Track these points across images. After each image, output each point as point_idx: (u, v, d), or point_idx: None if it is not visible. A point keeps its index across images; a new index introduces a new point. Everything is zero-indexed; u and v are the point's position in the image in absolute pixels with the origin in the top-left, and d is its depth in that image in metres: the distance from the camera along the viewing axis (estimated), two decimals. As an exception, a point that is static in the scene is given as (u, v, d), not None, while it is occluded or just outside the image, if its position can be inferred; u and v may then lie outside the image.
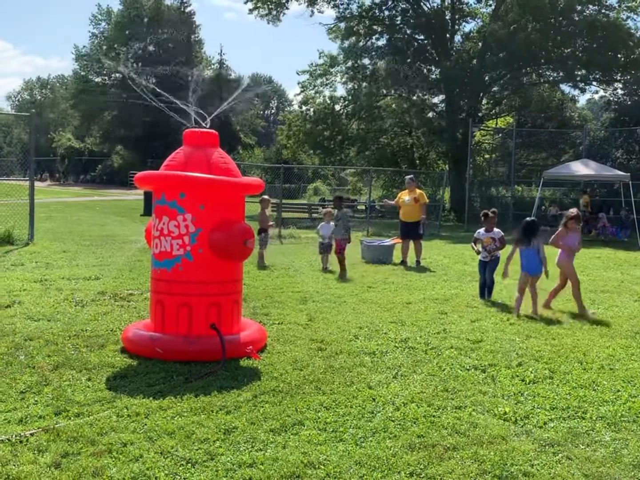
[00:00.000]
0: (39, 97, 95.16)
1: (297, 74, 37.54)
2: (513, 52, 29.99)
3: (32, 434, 4.13)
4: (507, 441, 4.30)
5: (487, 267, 9.84)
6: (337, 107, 37.27)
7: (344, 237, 11.83)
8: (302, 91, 37.75)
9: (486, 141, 35.34)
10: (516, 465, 3.95)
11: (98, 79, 67.05)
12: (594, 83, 33.68)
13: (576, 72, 32.42)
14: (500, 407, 4.91)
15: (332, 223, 12.43)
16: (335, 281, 10.88)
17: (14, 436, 4.08)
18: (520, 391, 5.34)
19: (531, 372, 5.86)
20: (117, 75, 63.69)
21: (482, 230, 10.02)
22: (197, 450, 4.00)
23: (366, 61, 35.23)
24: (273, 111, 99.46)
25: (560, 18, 30.89)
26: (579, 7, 30.83)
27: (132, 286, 9.52)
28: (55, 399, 4.78)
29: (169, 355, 5.81)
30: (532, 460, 4.03)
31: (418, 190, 14.18)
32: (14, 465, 3.71)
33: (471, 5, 35.16)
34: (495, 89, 34.87)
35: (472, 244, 10.20)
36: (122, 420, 4.42)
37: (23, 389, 4.98)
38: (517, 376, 5.75)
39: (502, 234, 10.00)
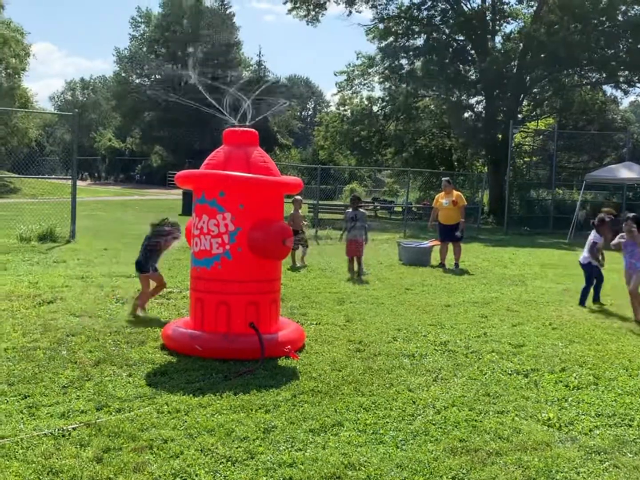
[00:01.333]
0: (80, 98, 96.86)
1: (335, 74, 37.56)
2: (554, 53, 29.49)
3: (74, 428, 4.17)
4: (552, 447, 4.20)
5: (594, 272, 9.52)
6: (375, 108, 37.17)
7: (363, 238, 11.69)
8: (339, 91, 37.72)
9: (526, 143, 34.84)
10: (562, 473, 3.85)
11: (138, 80, 67.99)
12: (638, 85, 32.96)
13: (619, 74, 31.79)
14: (544, 413, 4.81)
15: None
16: (372, 282, 10.81)
17: (56, 430, 4.12)
18: (564, 397, 5.22)
19: (575, 378, 5.73)
20: (157, 76, 64.52)
21: (597, 234, 9.47)
22: (237, 448, 3.99)
23: (404, 61, 35.05)
24: (310, 112, 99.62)
25: (604, 18, 30.30)
26: (623, 7, 30.21)
27: (171, 284, 9.58)
28: (97, 394, 4.82)
29: (208, 353, 5.83)
30: (578, 468, 3.93)
31: (455, 192, 13.95)
32: (57, 459, 3.75)
33: (512, 5, 34.73)
34: (536, 90, 34.34)
35: (591, 252, 9.49)
36: (162, 417, 4.44)
37: (65, 383, 5.04)
38: (561, 381, 5.63)
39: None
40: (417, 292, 10.10)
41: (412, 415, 4.67)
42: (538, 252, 17.82)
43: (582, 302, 9.41)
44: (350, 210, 12.04)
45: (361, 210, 12.07)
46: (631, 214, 9.13)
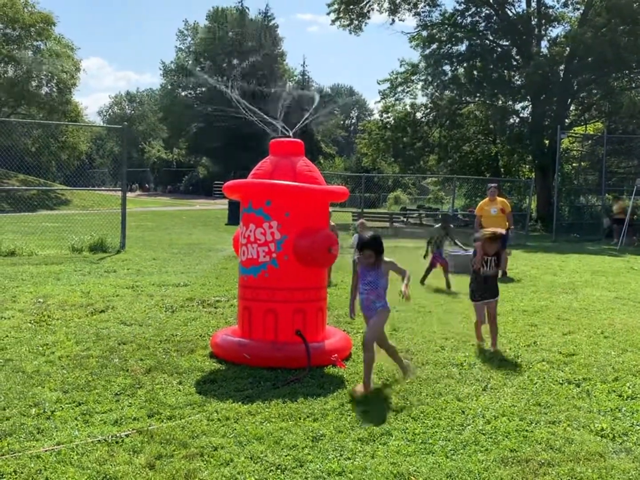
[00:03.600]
0: (128, 111, 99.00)
1: (378, 83, 37.60)
2: (602, 55, 28.98)
3: (127, 435, 4.25)
4: (605, 458, 4.11)
5: None
6: (419, 115, 37.04)
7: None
8: (382, 99, 37.70)
9: (574, 148, 34.22)
10: (616, 485, 3.76)
11: (184, 93, 69.16)
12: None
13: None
14: (597, 423, 4.70)
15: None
16: (417, 290, 10.74)
17: (110, 437, 4.21)
18: (617, 407, 5.10)
19: (629, 388, 5.59)
20: (203, 89, 65.52)
21: None
22: (286, 456, 4.01)
23: (447, 67, 34.89)
24: (353, 121, 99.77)
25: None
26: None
27: (219, 293, 9.70)
28: (148, 402, 4.91)
29: (256, 361, 5.88)
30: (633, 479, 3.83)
31: (500, 199, 13.70)
32: (111, 465, 3.82)
33: (558, 9, 34.28)
34: (583, 94, 33.76)
35: None
36: (212, 424, 4.49)
37: (117, 391, 5.15)
38: (614, 391, 5.50)
39: None
40: (464, 300, 9.98)
41: (461, 425, 4.62)
42: (588, 258, 17.44)
43: None
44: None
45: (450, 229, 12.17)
46: None
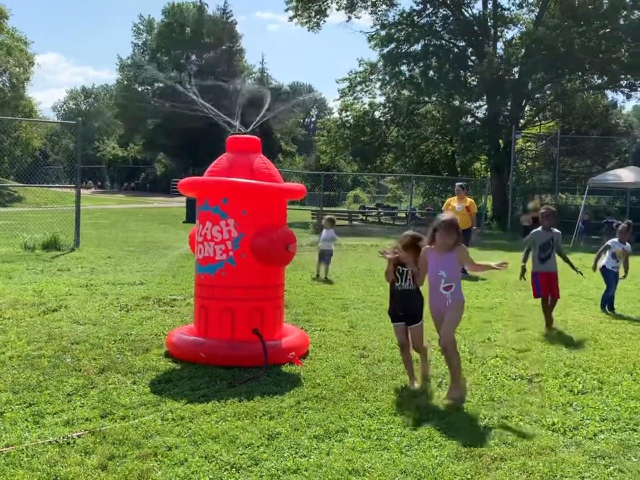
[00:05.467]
0: (83, 107, 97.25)
1: (337, 82, 37.69)
2: (556, 57, 29.57)
3: (79, 436, 4.17)
4: (557, 452, 4.20)
5: (616, 280, 9.50)
6: (377, 114, 37.25)
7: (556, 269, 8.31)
8: (341, 97, 37.77)
9: (529, 148, 34.86)
10: (566, 477, 3.85)
11: (141, 89, 68.23)
12: (640, 89, 32.99)
13: (621, 78, 31.81)
14: (549, 418, 4.79)
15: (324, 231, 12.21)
16: (375, 288, 10.81)
17: (61, 438, 4.13)
18: (568, 402, 5.21)
19: (579, 383, 5.71)
20: (160, 84, 64.75)
21: (616, 240, 9.55)
22: (241, 455, 3.99)
23: (404, 67, 35.19)
24: (313, 119, 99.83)
25: (605, 22, 30.34)
26: (624, 12, 30.28)
27: (176, 291, 9.61)
28: (101, 402, 4.83)
29: (212, 360, 5.83)
30: (583, 473, 3.92)
31: (469, 199, 13.93)
32: (62, 466, 3.75)
33: (513, 11, 34.85)
34: (538, 95, 34.39)
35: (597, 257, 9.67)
36: (166, 424, 4.44)
37: (70, 391, 5.05)
38: (565, 386, 5.62)
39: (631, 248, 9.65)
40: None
41: (416, 421, 4.66)
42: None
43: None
44: (540, 229, 8.28)
45: (556, 230, 8.30)
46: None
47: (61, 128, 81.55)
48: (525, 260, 8.26)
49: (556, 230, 8.24)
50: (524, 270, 8.16)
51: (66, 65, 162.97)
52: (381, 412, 4.82)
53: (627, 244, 9.59)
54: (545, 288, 8.06)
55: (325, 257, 11.94)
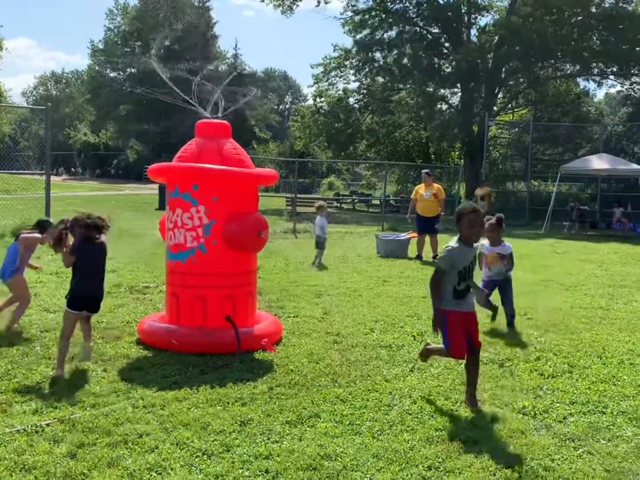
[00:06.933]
0: (54, 92, 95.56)
1: (311, 67, 37.44)
2: (528, 44, 29.70)
3: (47, 424, 4.12)
4: (527, 435, 4.24)
5: (504, 294, 7.31)
6: (351, 101, 37.14)
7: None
8: (315, 83, 37.54)
9: (502, 135, 35.06)
10: (536, 460, 3.88)
11: (113, 74, 67.18)
12: (611, 77, 33.29)
13: (593, 66, 32.08)
14: (519, 402, 4.84)
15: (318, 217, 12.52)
16: (349, 275, 10.82)
17: (30, 426, 4.07)
18: (539, 385, 5.27)
19: (550, 367, 5.78)
20: (132, 70, 63.82)
21: (486, 242, 7.43)
22: (212, 441, 3.97)
23: (378, 54, 35.06)
24: (287, 106, 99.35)
25: (578, 10, 30.53)
26: (596, 0, 30.49)
27: (148, 279, 9.51)
28: (71, 390, 4.76)
29: (184, 347, 5.79)
30: (553, 455, 3.96)
31: (436, 185, 14.02)
32: (30, 455, 3.70)
33: (487, -2, 34.88)
34: (511, 82, 34.54)
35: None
36: (137, 411, 4.40)
37: (39, 379, 4.98)
38: (536, 370, 5.68)
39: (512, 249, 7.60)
40: (394, 284, 10.13)
41: (388, 406, 4.68)
42: (514, 242, 17.84)
43: None
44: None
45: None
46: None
47: (31, 114, 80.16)
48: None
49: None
50: None
51: (38, 51, 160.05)
52: (354, 397, 4.83)
53: (505, 242, 7.59)
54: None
55: (320, 243, 12.28)
